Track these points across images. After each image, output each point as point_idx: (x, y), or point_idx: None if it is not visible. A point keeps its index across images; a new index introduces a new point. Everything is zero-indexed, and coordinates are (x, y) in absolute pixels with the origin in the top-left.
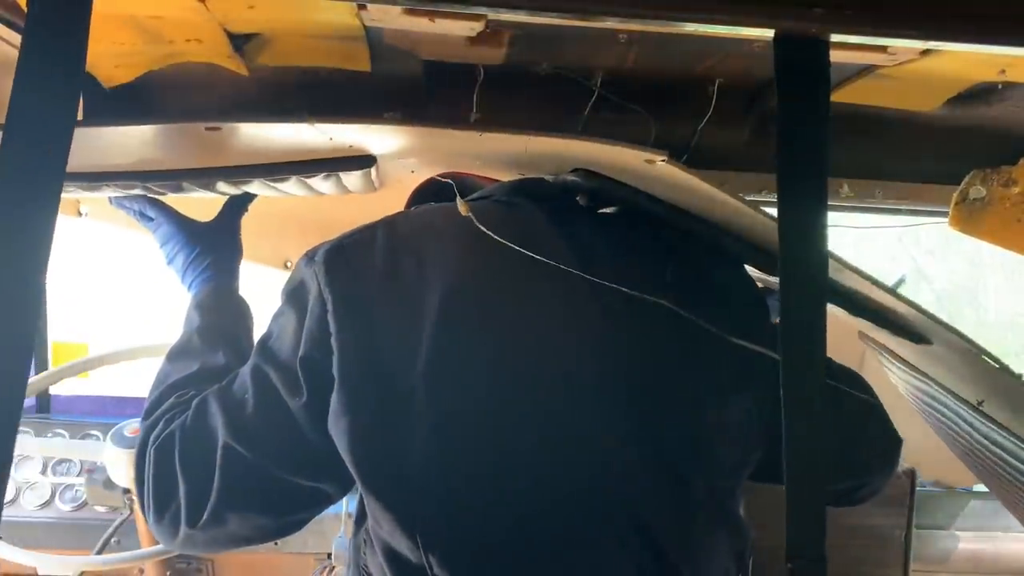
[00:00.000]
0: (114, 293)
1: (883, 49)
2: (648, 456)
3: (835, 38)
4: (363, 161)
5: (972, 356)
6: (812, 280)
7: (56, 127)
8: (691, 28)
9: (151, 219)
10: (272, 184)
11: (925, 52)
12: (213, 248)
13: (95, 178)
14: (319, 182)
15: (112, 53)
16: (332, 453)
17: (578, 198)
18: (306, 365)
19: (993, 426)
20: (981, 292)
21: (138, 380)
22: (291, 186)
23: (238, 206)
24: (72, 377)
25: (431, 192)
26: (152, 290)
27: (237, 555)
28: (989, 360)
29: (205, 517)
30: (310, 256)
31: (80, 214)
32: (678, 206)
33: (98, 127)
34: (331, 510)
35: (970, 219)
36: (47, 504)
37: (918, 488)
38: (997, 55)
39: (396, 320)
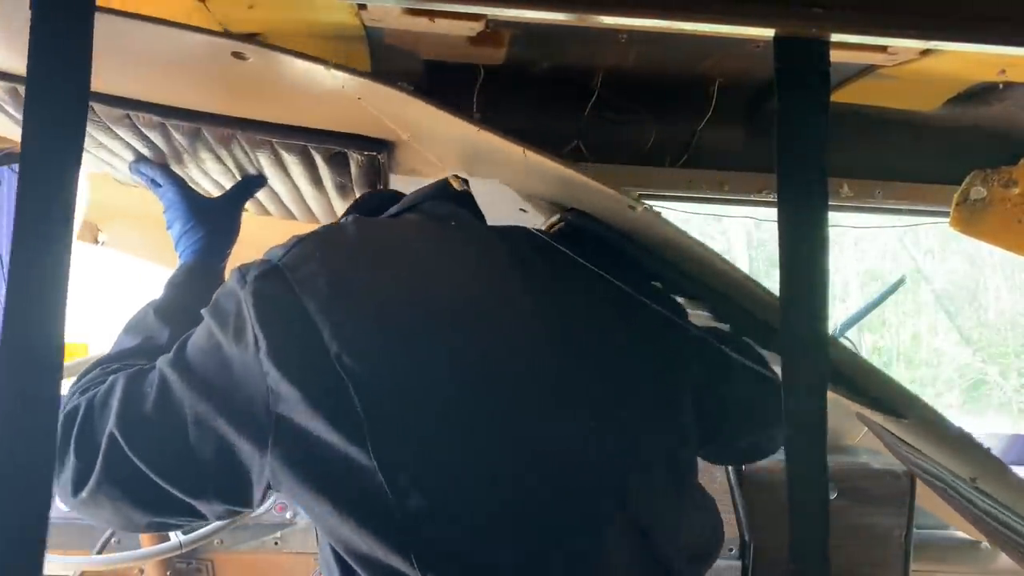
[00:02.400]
0: (114, 293)
1: (883, 49)
2: (623, 446)
3: (835, 38)
4: (371, 144)
5: (947, 432)
6: (813, 282)
7: (71, 125)
8: (691, 28)
9: (160, 185)
10: (282, 155)
11: (925, 52)
12: (209, 223)
13: (117, 103)
14: (325, 166)
15: None
16: (220, 480)
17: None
18: (243, 411)
19: (995, 504)
20: (981, 292)
21: None
22: (298, 163)
23: (245, 188)
24: (72, 377)
25: (365, 208)
26: (153, 290)
27: (237, 555)
28: (960, 438)
29: (84, 495)
30: (242, 274)
31: (98, 242)
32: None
33: (128, 19)
34: None
35: (971, 220)
36: None
37: (918, 488)
38: (997, 55)
39: (364, 337)
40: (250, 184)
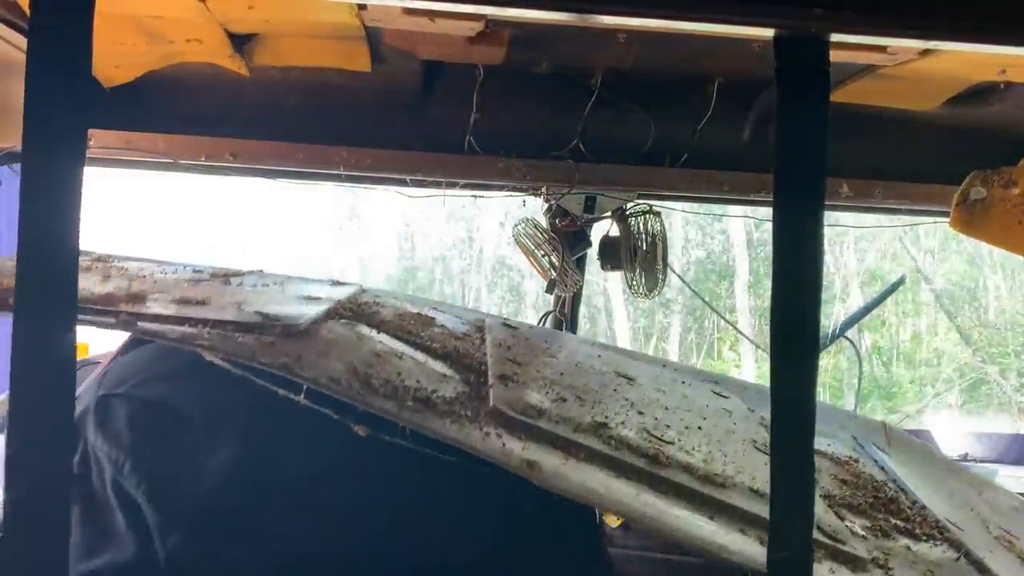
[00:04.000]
0: None
1: (883, 49)
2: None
3: (835, 38)
4: None
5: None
6: (805, 279)
7: (71, 123)
8: (691, 28)
9: None
10: None
11: (925, 52)
12: None
13: None
14: None
15: (112, 53)
16: None
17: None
18: None
19: None
20: (981, 292)
21: None
22: None
23: None
24: None
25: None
26: None
27: None
28: None
29: None
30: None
31: None
32: None
33: None
34: None
35: (971, 221)
36: None
37: None
38: (997, 55)
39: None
40: None
